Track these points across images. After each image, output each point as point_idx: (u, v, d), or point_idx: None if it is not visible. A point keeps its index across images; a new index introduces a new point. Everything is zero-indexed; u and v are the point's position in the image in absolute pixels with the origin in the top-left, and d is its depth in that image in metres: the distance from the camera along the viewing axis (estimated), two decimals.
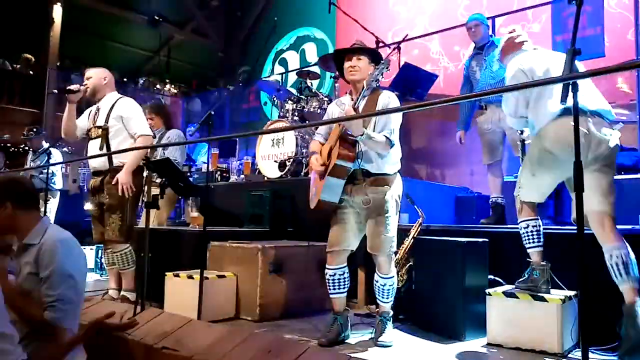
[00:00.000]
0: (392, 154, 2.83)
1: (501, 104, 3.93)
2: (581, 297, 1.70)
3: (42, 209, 5.59)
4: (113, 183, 3.61)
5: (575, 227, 1.92)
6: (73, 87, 3.74)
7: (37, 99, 10.07)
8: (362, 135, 2.62)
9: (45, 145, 6.23)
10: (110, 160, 3.67)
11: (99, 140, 3.72)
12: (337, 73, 3.19)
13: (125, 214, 3.62)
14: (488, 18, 5.94)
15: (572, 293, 2.70)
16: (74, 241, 2.31)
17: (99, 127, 3.73)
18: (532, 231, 2.73)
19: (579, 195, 1.60)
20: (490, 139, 4.11)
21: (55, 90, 5.19)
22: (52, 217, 5.85)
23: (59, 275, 2.13)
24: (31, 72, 10.00)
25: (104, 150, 3.68)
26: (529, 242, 2.74)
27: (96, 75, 3.82)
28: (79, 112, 3.92)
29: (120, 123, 3.70)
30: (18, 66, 10.01)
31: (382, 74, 2.70)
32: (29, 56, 10.01)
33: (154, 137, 4.84)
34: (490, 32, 4.38)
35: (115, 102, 3.77)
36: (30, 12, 10.34)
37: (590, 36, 5.02)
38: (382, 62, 2.71)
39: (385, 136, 2.72)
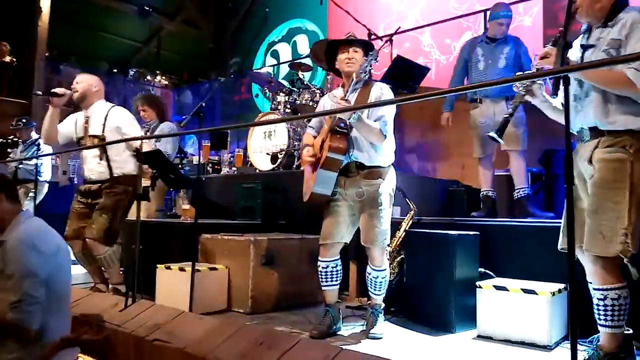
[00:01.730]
0: (386, 146, 2.83)
1: (497, 98, 3.93)
2: (571, 290, 1.72)
3: (25, 202, 5.55)
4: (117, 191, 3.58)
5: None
6: (58, 90, 3.63)
7: (25, 90, 9.94)
8: (354, 114, 2.58)
9: (35, 136, 6.17)
10: (110, 170, 3.61)
11: (97, 150, 3.63)
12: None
13: (115, 218, 3.57)
14: (480, 11, 5.98)
15: (561, 286, 2.73)
16: (43, 238, 2.23)
17: (95, 137, 3.64)
18: (622, 305, 2.07)
19: (570, 188, 1.61)
20: (482, 133, 4.03)
21: (40, 92, 5.07)
22: (32, 209, 5.79)
23: (20, 275, 2.07)
24: (13, 59, 9.83)
25: (104, 161, 3.61)
26: (612, 320, 2.08)
27: (86, 81, 3.72)
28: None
29: (117, 134, 3.62)
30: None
31: (370, 66, 2.69)
32: (4, 43, 9.85)
33: (147, 129, 4.81)
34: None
35: (109, 111, 3.69)
36: (18, 2, 10.18)
37: (579, 31, 5.03)
38: (370, 53, 2.70)
39: (379, 128, 2.72)
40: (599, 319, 2.11)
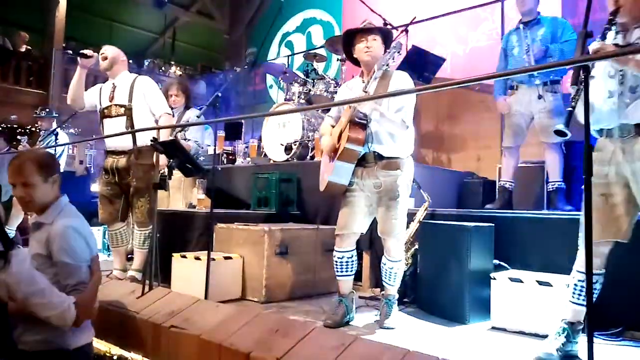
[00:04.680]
0: (405, 137, 2.81)
1: (533, 84, 3.75)
2: (588, 282, 1.71)
3: None
4: (141, 163, 3.62)
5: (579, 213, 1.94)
6: (87, 51, 3.69)
7: (43, 81, 10.07)
8: (374, 110, 2.58)
9: (54, 126, 6.25)
10: (134, 140, 3.62)
11: (123, 119, 3.67)
12: (344, 55, 3.14)
13: (152, 196, 3.61)
14: (497, 0, 5.89)
15: None
16: (84, 224, 2.30)
17: (122, 106, 3.67)
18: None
19: (588, 180, 1.60)
20: (516, 122, 3.91)
21: (70, 51, 5.15)
22: None
23: (75, 265, 2.15)
24: (28, 48, 9.97)
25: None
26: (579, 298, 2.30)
27: (114, 51, 3.79)
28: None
29: (143, 102, 3.66)
30: (19, 44, 9.97)
31: (393, 58, 2.67)
32: (24, 33, 9.99)
33: (173, 115, 4.83)
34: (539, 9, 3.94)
35: (135, 81, 3.73)
36: None
37: (600, 20, 4.93)
38: (394, 46, 2.68)
39: (402, 119, 2.71)
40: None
